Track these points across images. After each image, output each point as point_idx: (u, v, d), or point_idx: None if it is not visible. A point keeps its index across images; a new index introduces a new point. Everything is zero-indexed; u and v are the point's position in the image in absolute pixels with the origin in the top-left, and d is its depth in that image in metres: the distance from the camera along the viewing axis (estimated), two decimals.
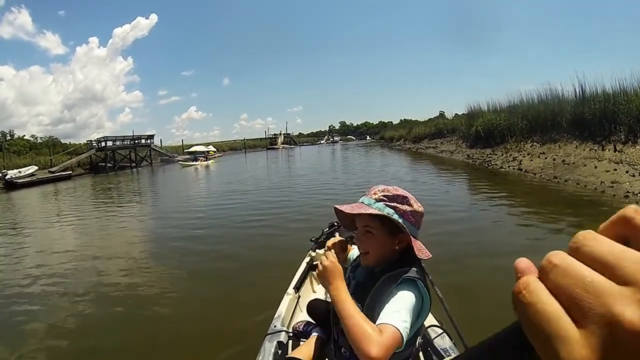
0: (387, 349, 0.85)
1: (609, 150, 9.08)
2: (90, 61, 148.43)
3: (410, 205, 1.09)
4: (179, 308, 3.36)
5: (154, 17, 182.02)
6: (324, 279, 1.05)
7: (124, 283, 4.13)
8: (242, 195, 10.43)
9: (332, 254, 1.10)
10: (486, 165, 12.14)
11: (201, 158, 31.68)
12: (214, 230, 6.33)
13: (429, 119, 37.64)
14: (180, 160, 33.06)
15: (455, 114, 27.76)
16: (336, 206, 1.17)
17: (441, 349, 1.52)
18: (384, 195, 1.09)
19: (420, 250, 1.07)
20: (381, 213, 1.05)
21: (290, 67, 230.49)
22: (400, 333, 0.89)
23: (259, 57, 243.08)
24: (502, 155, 12.41)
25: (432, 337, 1.58)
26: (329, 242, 1.28)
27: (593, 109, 10.22)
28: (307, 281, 2.48)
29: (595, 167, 8.42)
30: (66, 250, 5.79)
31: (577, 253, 0.20)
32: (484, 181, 9.71)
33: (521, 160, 10.78)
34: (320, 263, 1.08)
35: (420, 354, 1.55)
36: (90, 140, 36.28)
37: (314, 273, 2.46)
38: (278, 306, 2.02)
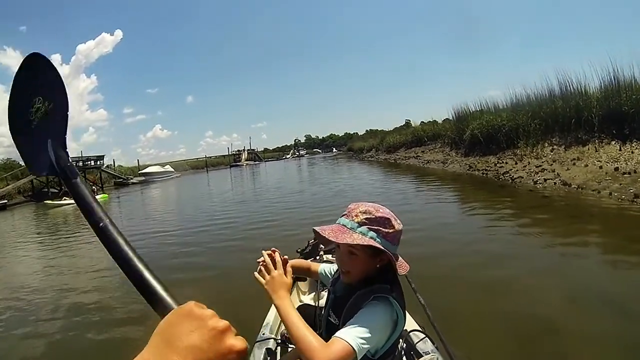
0: None
1: None
2: None
3: (392, 227, 1.00)
4: None
5: (118, 34, 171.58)
6: (272, 288, 1.01)
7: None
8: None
9: (280, 266, 1.05)
10: (509, 179, 9.07)
11: None
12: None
13: (395, 128, 35.88)
14: (49, 199, 20.30)
15: (422, 122, 25.88)
16: (315, 228, 1.05)
17: (424, 352, 1.46)
18: (366, 218, 0.99)
19: (400, 266, 1.00)
20: (367, 244, 0.96)
21: (253, 83, 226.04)
22: (352, 348, 0.84)
23: (222, 74, 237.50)
24: (517, 163, 9.75)
25: (415, 342, 1.54)
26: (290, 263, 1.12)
27: (634, 100, 7.89)
28: (294, 290, 2.41)
29: None
30: None
31: None
32: (579, 223, 5.04)
33: (556, 171, 8.11)
34: (268, 272, 1.04)
35: (404, 358, 1.47)
36: None
37: (299, 283, 2.48)
38: (266, 315, 1.96)
